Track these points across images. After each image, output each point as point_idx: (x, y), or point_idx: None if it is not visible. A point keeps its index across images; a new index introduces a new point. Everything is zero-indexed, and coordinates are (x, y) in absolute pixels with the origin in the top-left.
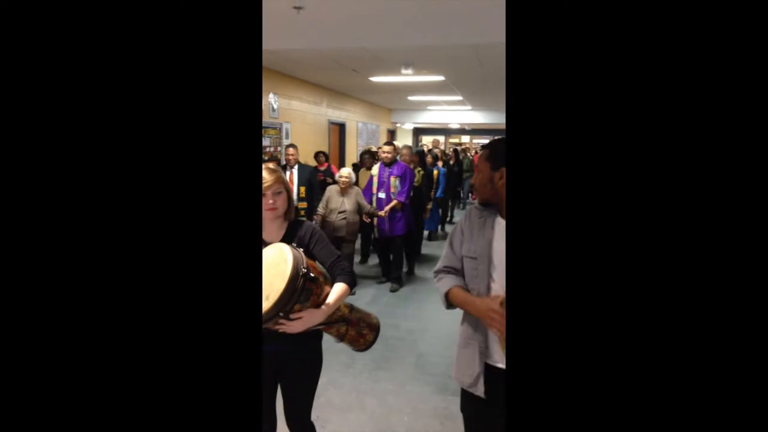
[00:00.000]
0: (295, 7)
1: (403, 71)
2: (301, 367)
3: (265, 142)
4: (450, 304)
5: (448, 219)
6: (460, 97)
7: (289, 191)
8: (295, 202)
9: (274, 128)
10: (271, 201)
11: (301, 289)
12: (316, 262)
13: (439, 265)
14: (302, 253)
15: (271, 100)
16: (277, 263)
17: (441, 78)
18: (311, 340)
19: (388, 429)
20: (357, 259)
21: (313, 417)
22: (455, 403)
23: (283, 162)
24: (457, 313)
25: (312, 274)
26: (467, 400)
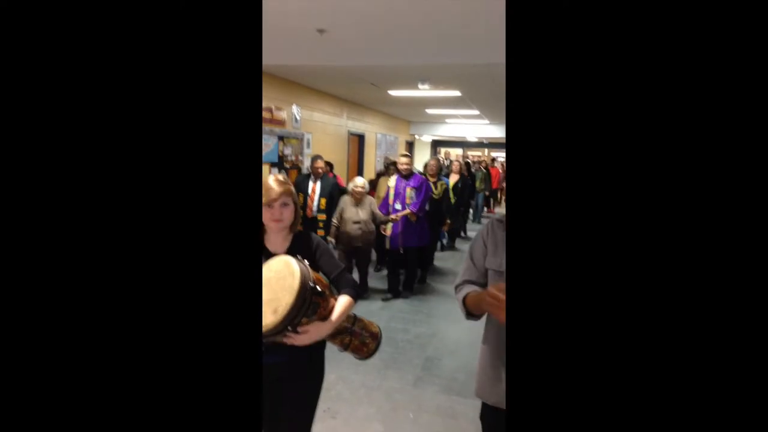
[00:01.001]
0: (318, 30)
1: (420, 86)
2: (302, 380)
3: (287, 150)
4: (469, 312)
5: (463, 234)
6: (477, 111)
7: (296, 203)
8: (315, 213)
9: (296, 138)
10: (277, 213)
11: (309, 303)
12: (321, 275)
13: (458, 279)
14: (308, 266)
15: (294, 111)
16: (284, 276)
17: (457, 93)
18: (313, 350)
19: (393, 422)
20: (371, 268)
21: (324, 408)
22: (459, 402)
23: (305, 172)
24: (465, 320)
25: (319, 288)
26: (489, 409)
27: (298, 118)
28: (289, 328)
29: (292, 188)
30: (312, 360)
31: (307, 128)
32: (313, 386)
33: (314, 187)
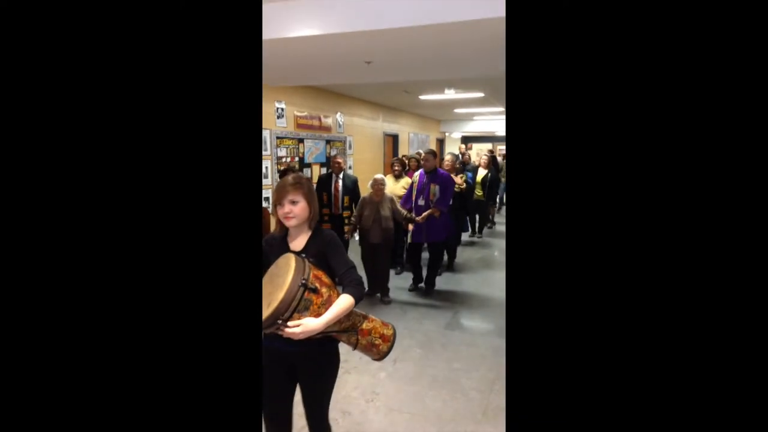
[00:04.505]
0: (366, 62)
1: (447, 91)
2: (315, 369)
3: (333, 152)
4: None
5: (489, 225)
6: (501, 108)
7: (310, 200)
8: (341, 210)
9: (340, 141)
10: (287, 209)
11: (300, 299)
12: (323, 272)
13: None
14: (307, 264)
15: (338, 117)
16: (281, 273)
17: (480, 94)
18: (326, 344)
19: (428, 347)
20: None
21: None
22: (479, 337)
23: (349, 171)
24: (481, 281)
25: (313, 285)
26: None
27: (341, 123)
28: (279, 321)
29: (306, 186)
30: (324, 351)
31: (349, 132)
32: (326, 376)
33: (336, 185)
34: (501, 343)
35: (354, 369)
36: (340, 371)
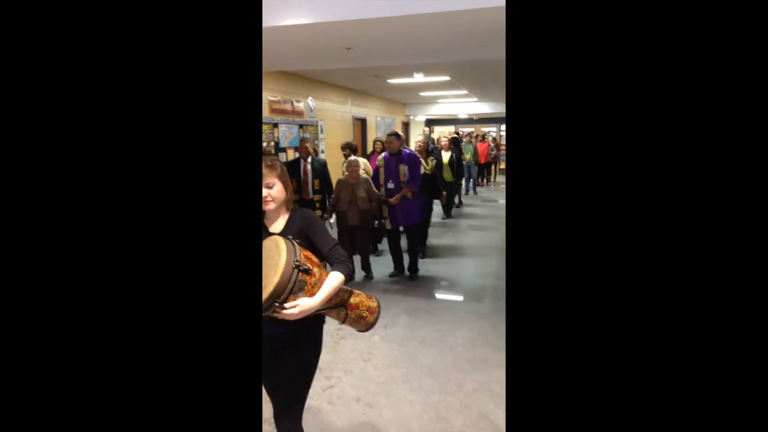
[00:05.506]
0: (347, 48)
1: (415, 75)
2: (298, 349)
3: (306, 135)
4: None
5: (456, 204)
6: (465, 91)
7: (285, 182)
8: (311, 195)
9: (312, 125)
10: (264, 193)
11: (295, 281)
12: (311, 253)
13: None
14: (296, 245)
15: (309, 102)
16: (272, 256)
17: (447, 78)
18: (311, 324)
19: (415, 315)
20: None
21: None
22: (459, 305)
23: (321, 156)
24: (456, 258)
25: (305, 266)
26: None
27: (312, 108)
28: (277, 304)
29: (279, 169)
30: (310, 332)
31: (320, 116)
32: (311, 355)
33: (305, 169)
34: (477, 308)
35: (349, 335)
36: (337, 338)
